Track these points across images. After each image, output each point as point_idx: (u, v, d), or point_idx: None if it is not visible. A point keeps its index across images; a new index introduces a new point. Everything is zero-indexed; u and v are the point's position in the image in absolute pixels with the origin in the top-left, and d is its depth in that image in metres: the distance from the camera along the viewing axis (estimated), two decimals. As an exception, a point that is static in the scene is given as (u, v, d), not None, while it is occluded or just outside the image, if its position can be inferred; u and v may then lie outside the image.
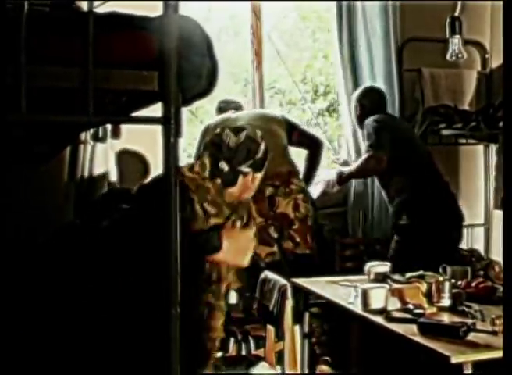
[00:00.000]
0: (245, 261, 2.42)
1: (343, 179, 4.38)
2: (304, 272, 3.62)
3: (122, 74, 1.46)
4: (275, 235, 4.18)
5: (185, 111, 4.20)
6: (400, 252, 4.14)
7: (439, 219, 4.16)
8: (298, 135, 4.38)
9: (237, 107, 4.59)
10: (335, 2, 4.69)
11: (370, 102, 4.38)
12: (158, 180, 2.23)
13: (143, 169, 3.93)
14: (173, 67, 1.33)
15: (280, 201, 4.16)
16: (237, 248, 2.34)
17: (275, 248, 4.18)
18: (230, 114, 4.43)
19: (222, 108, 4.57)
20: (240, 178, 2.42)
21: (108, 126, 3.18)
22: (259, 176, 2.49)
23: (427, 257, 3.76)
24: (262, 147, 2.44)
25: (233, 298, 4.36)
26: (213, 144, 2.44)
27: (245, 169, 2.40)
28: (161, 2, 1.42)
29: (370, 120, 4.21)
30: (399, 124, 4.43)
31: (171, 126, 1.32)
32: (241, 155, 2.38)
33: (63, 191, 3.41)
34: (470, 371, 2.28)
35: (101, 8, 1.64)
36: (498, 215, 4.84)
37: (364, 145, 4.32)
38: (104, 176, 3.57)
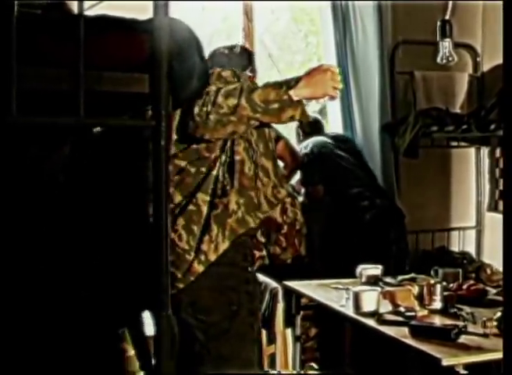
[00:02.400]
0: None
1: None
2: (294, 275, 3.62)
3: (113, 76, 1.46)
4: (263, 239, 4.17)
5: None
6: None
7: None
8: (282, 147, 4.39)
9: None
10: (328, 4, 4.69)
11: (308, 128, 4.58)
12: None
13: None
14: (164, 70, 1.33)
15: None
16: None
17: (264, 253, 4.18)
18: None
19: None
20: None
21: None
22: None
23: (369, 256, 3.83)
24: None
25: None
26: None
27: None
28: (151, 5, 1.42)
29: (302, 145, 4.48)
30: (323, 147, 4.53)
31: (161, 129, 1.31)
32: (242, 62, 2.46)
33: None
34: (461, 373, 2.28)
35: (92, 11, 1.65)
36: (490, 217, 4.86)
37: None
38: None
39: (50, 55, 1.45)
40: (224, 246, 2.22)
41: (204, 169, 2.20)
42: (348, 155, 4.53)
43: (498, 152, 4.70)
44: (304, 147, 4.45)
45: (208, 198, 2.20)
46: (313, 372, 3.94)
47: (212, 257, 2.20)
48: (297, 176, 4.61)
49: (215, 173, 2.20)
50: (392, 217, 4.37)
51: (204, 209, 2.19)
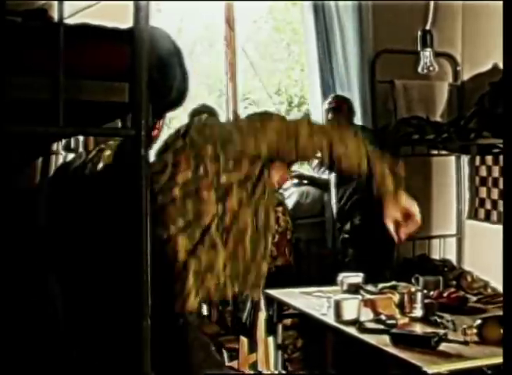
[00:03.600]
0: None
1: None
2: (282, 283, 3.61)
3: (93, 85, 1.45)
4: None
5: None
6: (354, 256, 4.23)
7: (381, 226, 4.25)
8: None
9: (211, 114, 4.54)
10: (311, 13, 4.71)
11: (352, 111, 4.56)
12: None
13: None
14: (144, 79, 1.33)
15: None
16: None
17: None
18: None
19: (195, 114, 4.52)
20: None
21: (81, 138, 3.17)
22: None
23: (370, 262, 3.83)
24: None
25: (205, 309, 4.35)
26: None
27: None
28: (132, 13, 1.42)
29: (358, 127, 4.37)
30: None
31: (141, 138, 1.31)
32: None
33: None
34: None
35: (73, 20, 1.64)
36: (470, 225, 4.89)
37: None
38: None
39: (29, 64, 1.44)
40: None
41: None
42: None
43: (478, 160, 4.74)
44: None
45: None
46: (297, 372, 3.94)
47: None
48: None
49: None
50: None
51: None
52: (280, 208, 4.21)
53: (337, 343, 3.72)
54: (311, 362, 4.04)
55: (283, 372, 3.61)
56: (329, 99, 4.53)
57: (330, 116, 4.47)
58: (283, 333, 3.85)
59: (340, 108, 4.44)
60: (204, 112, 4.49)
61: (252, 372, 3.26)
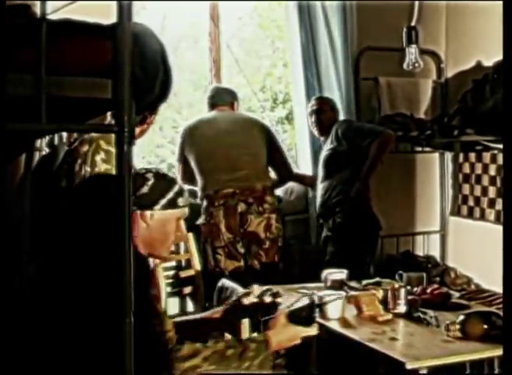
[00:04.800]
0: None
1: (367, 173, 4.24)
2: (268, 280, 3.61)
3: (76, 81, 1.45)
4: (243, 250, 4.17)
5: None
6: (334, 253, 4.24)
7: (366, 223, 4.27)
8: (276, 156, 4.38)
9: (231, 101, 4.44)
10: (295, 10, 4.70)
11: (336, 110, 4.54)
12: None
13: None
14: (127, 75, 1.32)
15: (252, 220, 4.14)
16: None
17: (242, 263, 4.18)
18: (207, 116, 4.40)
19: (213, 103, 4.43)
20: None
21: (64, 134, 3.15)
22: (155, 215, 2.14)
23: (350, 259, 3.85)
24: (150, 183, 2.10)
25: (190, 306, 4.35)
26: None
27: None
28: (115, 9, 1.41)
29: (348, 121, 4.44)
30: None
31: (124, 135, 1.31)
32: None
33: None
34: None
35: (56, 15, 1.63)
36: (453, 222, 4.92)
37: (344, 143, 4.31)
38: None
39: (11, 60, 1.44)
40: None
41: None
42: None
43: (461, 158, 4.77)
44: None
45: None
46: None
47: None
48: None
49: None
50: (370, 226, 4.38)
51: None
52: (274, 216, 4.20)
53: (321, 341, 3.73)
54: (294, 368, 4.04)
55: (269, 372, 3.60)
56: (312, 101, 4.54)
57: (314, 118, 4.47)
58: None
59: (322, 109, 4.45)
60: (221, 104, 4.40)
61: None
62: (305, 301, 2.31)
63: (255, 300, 2.38)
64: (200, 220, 4.20)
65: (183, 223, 2.67)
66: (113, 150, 2.37)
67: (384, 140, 4.12)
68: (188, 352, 1.92)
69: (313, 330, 2.22)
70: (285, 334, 2.13)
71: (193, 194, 4.27)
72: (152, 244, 2.13)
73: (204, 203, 4.20)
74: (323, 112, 4.45)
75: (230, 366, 1.99)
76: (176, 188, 2.14)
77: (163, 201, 2.12)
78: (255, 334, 2.14)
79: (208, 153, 4.24)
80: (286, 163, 4.46)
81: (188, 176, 4.33)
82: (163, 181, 2.14)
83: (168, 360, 1.89)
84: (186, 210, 2.18)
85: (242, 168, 4.20)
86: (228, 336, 2.49)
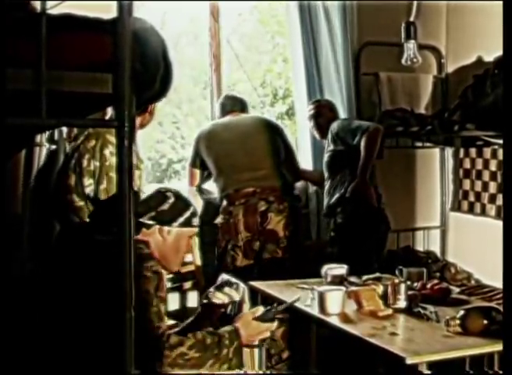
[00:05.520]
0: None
1: (362, 171, 4.17)
2: (272, 276, 3.62)
3: (76, 76, 1.45)
4: (257, 248, 4.17)
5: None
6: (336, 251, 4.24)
7: (369, 222, 4.26)
8: (287, 157, 4.40)
9: (242, 108, 4.52)
10: (296, 6, 4.70)
11: (334, 111, 4.53)
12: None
13: None
14: (127, 70, 1.32)
15: (272, 218, 4.17)
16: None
17: (253, 261, 4.19)
18: (222, 120, 4.44)
19: (225, 108, 4.50)
20: (143, 230, 2.34)
21: (64, 129, 3.15)
22: (174, 232, 2.40)
23: (355, 258, 3.84)
24: (171, 201, 2.37)
25: (193, 301, 4.36)
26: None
27: (147, 221, 2.34)
28: (115, 4, 1.41)
29: (339, 121, 4.37)
30: None
31: (125, 130, 1.31)
32: (143, 206, 2.34)
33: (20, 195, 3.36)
34: (425, 372, 2.31)
35: (56, 10, 1.63)
36: (454, 217, 4.92)
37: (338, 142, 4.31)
38: None
39: (12, 55, 1.43)
40: None
41: None
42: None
43: (462, 153, 4.76)
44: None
45: None
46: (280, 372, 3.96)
47: None
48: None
49: None
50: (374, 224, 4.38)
51: None
52: (293, 214, 4.25)
53: (321, 336, 3.73)
54: (295, 354, 4.05)
55: (268, 372, 3.62)
56: (309, 106, 4.57)
57: (312, 122, 4.51)
58: (271, 343, 3.88)
59: (320, 113, 4.48)
60: (233, 110, 4.46)
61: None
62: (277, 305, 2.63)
63: (225, 298, 2.66)
64: (219, 219, 4.22)
65: (192, 241, 2.86)
66: None
67: (371, 135, 4.08)
68: (175, 342, 2.12)
69: (273, 327, 2.49)
70: (250, 328, 2.35)
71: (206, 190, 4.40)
72: (166, 257, 2.36)
73: (224, 203, 4.23)
74: (321, 116, 4.46)
75: (212, 353, 2.18)
76: (192, 209, 2.41)
77: (181, 220, 2.37)
78: (225, 327, 2.35)
79: (228, 154, 4.30)
80: (296, 166, 4.49)
81: (198, 180, 4.42)
82: (182, 201, 2.39)
83: (160, 349, 2.08)
84: (197, 230, 2.47)
85: (262, 167, 4.27)
86: None
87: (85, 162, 2.94)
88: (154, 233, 2.34)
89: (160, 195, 2.36)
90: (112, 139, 2.82)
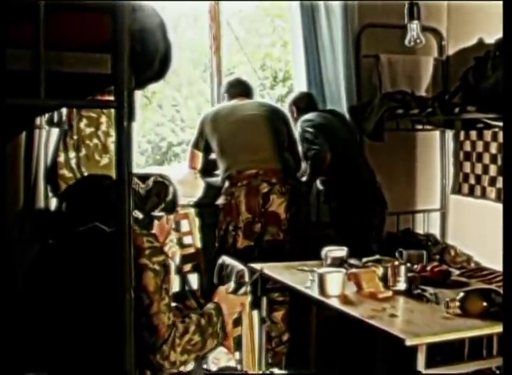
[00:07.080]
0: None
1: (305, 186, 4.46)
2: (273, 258, 3.63)
3: (74, 56, 1.44)
4: (258, 230, 4.18)
5: (140, 96, 4.16)
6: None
7: (361, 205, 4.30)
8: (289, 145, 4.43)
9: (248, 93, 4.54)
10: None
11: (304, 104, 4.59)
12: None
13: None
14: (126, 50, 1.32)
15: (274, 200, 4.18)
16: None
17: (253, 242, 4.19)
18: (228, 103, 4.44)
19: (232, 93, 4.52)
20: (155, 223, 2.39)
21: (64, 111, 3.16)
22: (172, 217, 2.49)
23: (351, 240, 3.87)
24: (171, 189, 2.43)
25: (194, 284, 4.37)
26: None
27: (158, 213, 2.39)
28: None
29: (301, 120, 4.47)
30: (324, 119, 4.53)
31: (124, 110, 1.30)
32: (152, 201, 2.38)
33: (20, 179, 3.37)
34: (424, 353, 2.32)
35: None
36: (454, 200, 4.92)
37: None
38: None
39: (10, 36, 1.42)
40: None
41: None
42: (344, 127, 4.59)
43: (462, 135, 4.76)
44: (303, 121, 4.44)
45: None
46: (279, 371, 3.99)
47: None
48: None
49: None
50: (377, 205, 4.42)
51: None
52: (294, 197, 4.26)
53: (321, 318, 3.74)
54: (294, 358, 4.07)
55: (267, 372, 3.64)
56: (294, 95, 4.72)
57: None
58: (271, 325, 3.89)
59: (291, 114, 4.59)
60: (238, 95, 4.49)
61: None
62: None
63: None
64: (220, 200, 4.22)
65: None
66: None
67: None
68: (182, 329, 2.14)
69: (247, 299, 2.70)
70: (228, 302, 2.39)
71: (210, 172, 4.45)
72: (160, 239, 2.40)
73: (226, 184, 4.23)
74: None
75: (208, 333, 2.21)
76: (177, 191, 2.48)
77: (179, 205, 2.50)
78: (208, 305, 2.37)
79: (232, 136, 4.30)
80: (298, 153, 4.49)
81: (200, 162, 4.44)
82: (172, 186, 2.45)
83: (174, 339, 2.09)
84: None
85: (265, 149, 4.29)
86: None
87: (68, 139, 3.32)
88: (162, 223, 2.41)
89: (162, 185, 2.41)
90: (87, 114, 3.25)
